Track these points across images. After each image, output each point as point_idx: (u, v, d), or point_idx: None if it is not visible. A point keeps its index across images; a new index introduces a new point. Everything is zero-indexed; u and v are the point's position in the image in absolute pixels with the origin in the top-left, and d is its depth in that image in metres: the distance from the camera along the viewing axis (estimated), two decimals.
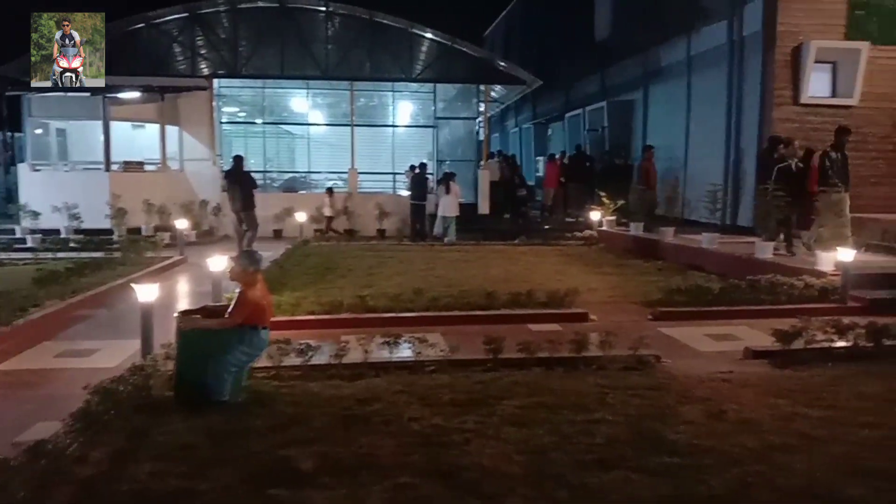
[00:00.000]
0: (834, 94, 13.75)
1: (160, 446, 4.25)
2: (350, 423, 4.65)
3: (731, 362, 6.30)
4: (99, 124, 17.14)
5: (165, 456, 4.11)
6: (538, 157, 26.58)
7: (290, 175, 21.24)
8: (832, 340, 6.38)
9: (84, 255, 12.23)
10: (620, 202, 15.96)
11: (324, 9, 18.67)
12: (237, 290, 5.32)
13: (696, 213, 14.69)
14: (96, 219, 15.64)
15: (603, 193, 16.36)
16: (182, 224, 13.86)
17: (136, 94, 17.31)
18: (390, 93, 21.20)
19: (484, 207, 19.38)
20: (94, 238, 14.24)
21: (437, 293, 8.53)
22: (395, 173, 20.38)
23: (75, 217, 15.42)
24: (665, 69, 18.01)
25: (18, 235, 15.67)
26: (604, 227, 16.01)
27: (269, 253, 11.90)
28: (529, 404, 4.99)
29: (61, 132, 19.44)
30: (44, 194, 16.01)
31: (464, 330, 7.02)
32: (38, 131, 18.77)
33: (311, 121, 21.49)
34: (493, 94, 21.58)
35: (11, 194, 19.12)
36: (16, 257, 12.65)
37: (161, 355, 5.61)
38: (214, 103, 18.91)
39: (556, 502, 3.60)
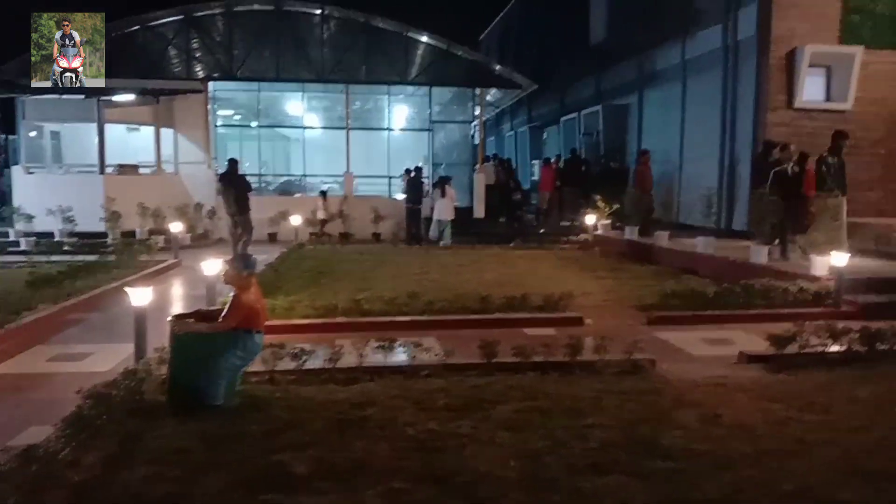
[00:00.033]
0: (828, 99, 13.82)
1: (153, 451, 4.23)
2: (344, 427, 4.64)
3: (726, 366, 6.31)
4: (93, 127, 17.10)
5: (159, 460, 4.09)
6: (533, 161, 26.60)
7: (286, 178, 21.21)
8: (826, 345, 6.39)
9: (78, 258, 12.17)
10: (615, 206, 15.98)
11: (319, 12, 18.67)
12: (231, 294, 5.30)
13: (691, 217, 14.75)
14: (91, 222, 15.59)
15: (598, 197, 16.38)
16: (177, 227, 13.84)
17: (131, 97, 17.28)
18: (386, 96, 21.20)
19: (479, 211, 19.39)
20: (88, 241, 14.20)
21: (432, 297, 8.51)
22: (390, 177, 20.38)
23: (69, 220, 15.37)
24: (660, 73, 18.06)
25: (12, 238, 15.62)
26: (599, 231, 16.02)
27: (263, 256, 11.87)
28: (524, 409, 4.98)
29: (55, 135, 19.40)
30: (38, 197, 15.96)
31: (459, 334, 7.01)
32: (33, 134, 18.73)
33: (306, 124, 21.48)
34: (488, 97, 21.59)
35: (5, 197, 19.05)
36: (9, 260, 12.61)
37: (155, 359, 5.59)
38: (210, 106, 18.89)
39: None
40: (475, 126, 22.13)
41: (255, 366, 5.49)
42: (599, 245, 15.43)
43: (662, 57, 17.83)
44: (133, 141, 19.24)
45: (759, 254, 10.50)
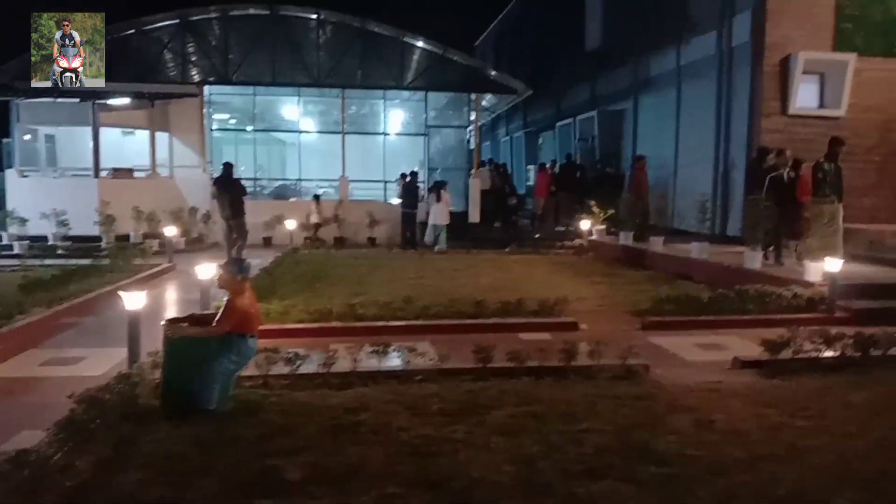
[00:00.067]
0: (822, 105, 13.88)
1: (146, 455, 4.21)
2: (338, 432, 4.63)
3: (720, 372, 6.32)
4: (88, 130, 17.07)
5: (152, 465, 4.07)
6: (529, 166, 26.66)
7: (281, 182, 21.19)
8: (820, 350, 6.41)
9: (72, 262, 12.16)
10: (610, 211, 16.01)
11: (315, 17, 18.70)
12: (225, 298, 5.29)
13: (686, 222, 14.77)
14: (85, 226, 15.55)
15: (593, 202, 16.41)
16: (171, 231, 13.81)
17: (126, 101, 17.25)
18: (381, 101, 21.22)
19: (475, 216, 19.40)
20: (82, 245, 14.15)
21: (427, 302, 8.51)
22: (385, 181, 20.38)
23: (63, 224, 15.33)
24: (655, 79, 18.12)
25: (5, 242, 15.57)
26: (594, 237, 16.05)
27: (258, 260, 11.88)
28: (518, 414, 4.98)
29: (50, 138, 19.36)
30: (32, 200, 15.92)
31: (454, 339, 7.00)
32: (27, 137, 18.67)
33: (302, 128, 21.48)
34: (484, 102, 21.66)
35: None
36: (2, 264, 12.57)
37: (148, 363, 5.57)
38: (205, 110, 18.87)
39: None
40: (471, 131, 22.17)
41: (249, 370, 5.48)
42: (594, 250, 15.46)
43: (657, 63, 17.90)
44: (128, 144, 19.22)
45: (754, 259, 10.54)
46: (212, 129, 19.72)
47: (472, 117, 21.67)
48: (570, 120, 23.49)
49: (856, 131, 12.95)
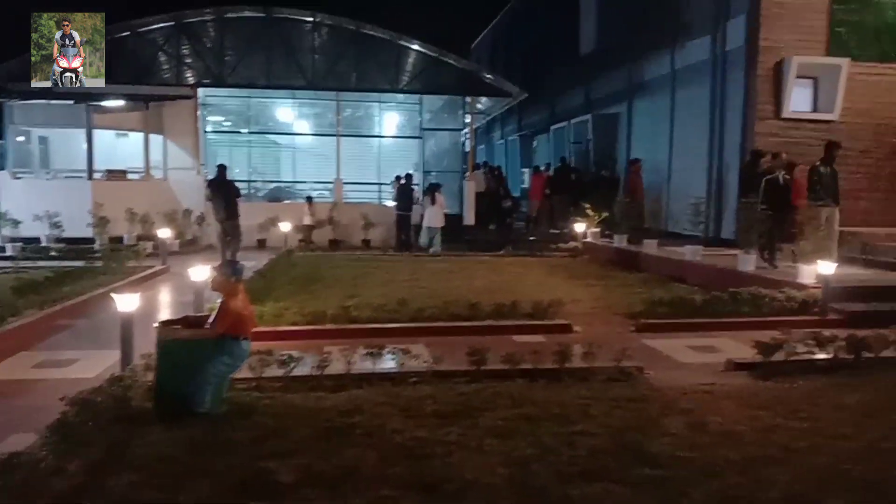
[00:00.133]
0: (815, 109, 13.94)
1: (139, 458, 4.20)
2: (332, 435, 4.62)
3: (714, 374, 6.33)
4: (82, 132, 17.01)
5: (144, 468, 4.06)
6: (524, 169, 26.69)
7: (275, 185, 21.17)
8: (813, 353, 6.42)
9: (65, 264, 12.11)
10: (605, 214, 16.04)
11: (310, 19, 18.69)
12: (219, 301, 5.27)
13: (680, 225, 14.81)
14: (78, 227, 15.49)
15: (588, 205, 16.44)
16: (165, 233, 13.77)
17: (120, 103, 17.21)
18: (377, 103, 21.22)
19: (469, 218, 19.41)
20: (75, 247, 14.10)
21: (422, 304, 8.51)
22: (380, 184, 20.38)
23: (56, 226, 15.27)
24: (649, 83, 18.17)
25: None
26: (588, 239, 16.07)
27: (252, 263, 11.86)
28: (512, 416, 4.98)
29: (43, 140, 19.29)
30: (25, 202, 15.86)
31: (448, 341, 6.99)
32: (20, 139, 18.61)
33: (296, 131, 21.45)
34: (479, 105, 21.66)
35: None
36: None
37: (141, 366, 5.55)
38: (199, 112, 18.83)
39: None
40: (466, 134, 22.19)
41: (243, 373, 5.46)
42: (589, 253, 15.48)
43: (652, 67, 17.95)
44: (122, 146, 19.17)
45: (747, 262, 10.57)
46: (206, 132, 19.67)
47: (468, 120, 21.69)
48: (564, 123, 23.55)
49: (849, 135, 13.00)
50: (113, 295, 6.12)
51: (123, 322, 5.88)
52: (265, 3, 18.50)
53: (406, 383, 5.75)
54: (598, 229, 16.14)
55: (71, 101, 16.40)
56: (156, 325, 5.26)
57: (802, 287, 9.08)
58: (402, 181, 17.42)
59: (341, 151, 19.39)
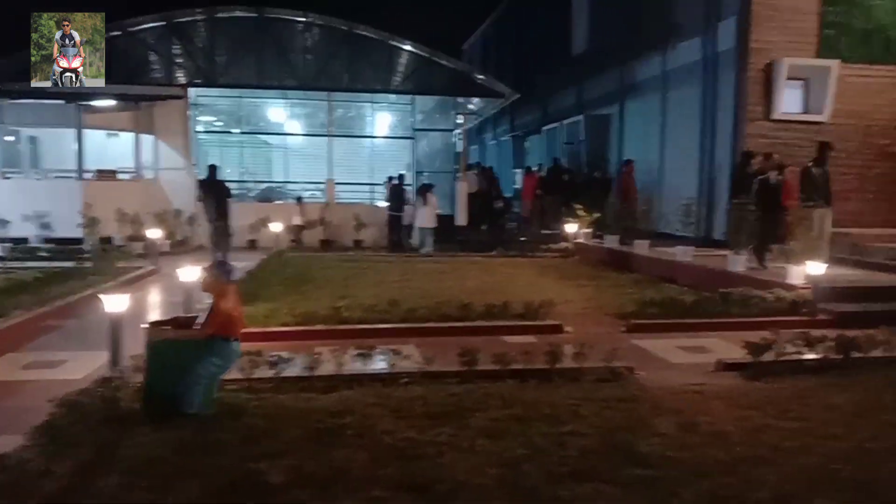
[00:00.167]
0: (805, 111, 14.03)
1: (127, 459, 4.17)
2: (322, 435, 4.60)
3: (703, 374, 6.35)
4: (72, 132, 16.91)
5: (133, 469, 4.04)
6: (516, 170, 26.73)
7: (267, 185, 21.11)
8: (802, 353, 6.45)
9: (54, 264, 12.02)
10: (596, 215, 16.08)
11: (302, 19, 18.63)
12: (209, 301, 5.25)
13: (671, 226, 14.87)
14: (67, 228, 15.40)
15: (579, 206, 16.47)
16: (155, 234, 13.70)
17: (110, 103, 17.12)
18: (369, 104, 21.18)
19: (461, 219, 19.41)
20: (64, 247, 14.01)
21: (413, 305, 8.49)
22: (372, 184, 20.35)
23: (46, 226, 15.17)
24: (641, 84, 18.24)
25: None
26: (580, 240, 16.10)
27: (243, 263, 11.81)
28: (503, 416, 4.98)
29: (33, 140, 19.17)
30: (13, 202, 15.75)
31: (439, 341, 6.99)
32: (10, 138, 18.48)
33: (288, 131, 21.38)
34: (471, 106, 21.65)
35: None
36: None
37: (130, 367, 5.52)
38: (190, 112, 18.74)
39: None
40: (458, 134, 22.18)
41: (233, 374, 5.44)
42: (580, 253, 15.50)
43: (643, 68, 18.01)
44: (112, 146, 19.05)
45: (737, 263, 10.60)
46: (197, 132, 19.59)
47: (460, 121, 21.69)
48: (556, 124, 23.60)
49: (839, 136, 13.09)
50: (102, 296, 6.09)
51: (112, 323, 5.85)
52: (257, 3, 18.43)
53: (397, 384, 5.74)
54: (589, 230, 16.17)
55: (61, 101, 16.30)
56: (145, 325, 5.24)
57: (792, 287, 9.11)
58: (394, 182, 17.40)
59: (333, 152, 19.34)
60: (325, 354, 6.00)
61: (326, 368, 5.87)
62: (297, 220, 17.53)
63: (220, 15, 18.36)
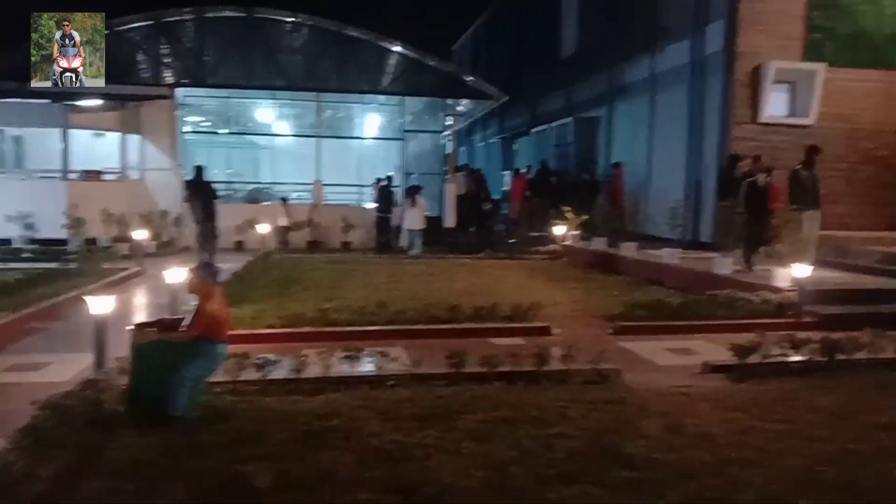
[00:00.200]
0: (792, 114, 14.14)
1: (112, 462, 4.14)
2: (309, 438, 4.58)
3: (690, 376, 6.37)
4: (57, 132, 16.77)
5: (118, 472, 4.00)
6: (504, 172, 26.77)
7: (254, 186, 21.02)
8: (788, 355, 6.50)
9: (38, 265, 11.91)
10: (584, 217, 16.12)
11: (291, 20, 18.58)
12: (195, 303, 5.21)
13: (658, 228, 14.93)
14: (52, 229, 15.25)
15: (567, 208, 16.52)
16: (141, 235, 13.61)
17: (96, 102, 16.99)
18: (357, 105, 21.15)
19: (450, 221, 19.41)
20: (49, 248, 13.89)
21: (401, 306, 8.48)
22: (360, 185, 20.31)
23: (30, 227, 15.02)
24: (629, 87, 18.31)
25: None
26: (568, 242, 16.14)
27: (230, 265, 11.75)
28: (490, 419, 4.97)
29: (17, 139, 18.98)
30: None
31: (427, 344, 6.97)
32: None
33: (276, 131, 21.33)
34: (460, 108, 21.67)
35: None
36: None
37: (115, 369, 5.47)
38: (177, 112, 18.64)
39: None
40: (447, 136, 22.20)
41: (219, 376, 5.40)
42: (568, 255, 15.54)
43: (632, 71, 18.09)
44: (98, 147, 18.89)
45: (724, 265, 10.66)
46: (184, 132, 19.47)
47: (449, 122, 21.70)
48: (545, 126, 23.66)
49: (824, 139, 13.15)
50: (87, 297, 6.04)
51: (97, 325, 5.80)
52: (246, 3, 18.37)
53: (384, 386, 5.72)
54: (577, 232, 16.22)
55: (47, 101, 16.17)
56: (130, 327, 5.20)
57: (778, 290, 9.18)
58: (383, 183, 17.39)
59: (322, 153, 19.29)
60: (312, 357, 5.98)
61: (313, 371, 5.84)
62: (282, 222, 17.45)
63: (208, 15, 18.28)
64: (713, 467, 4.19)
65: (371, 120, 22.15)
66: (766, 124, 13.79)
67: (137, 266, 12.49)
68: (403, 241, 16.63)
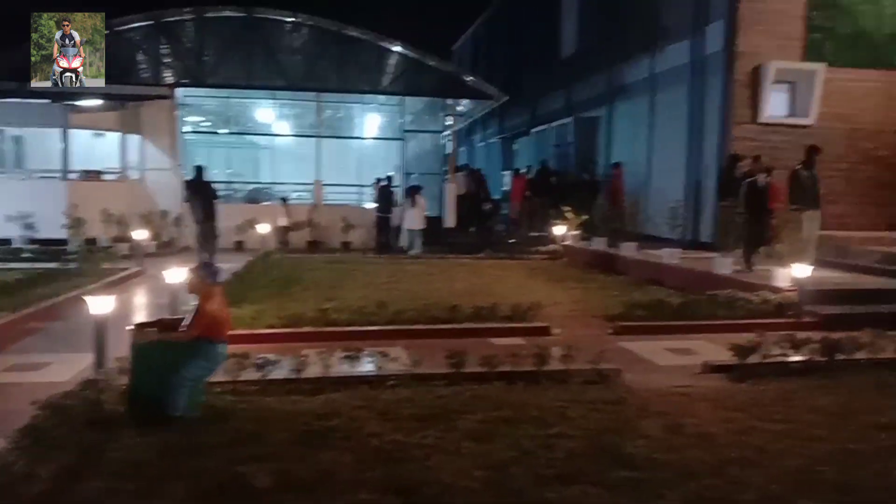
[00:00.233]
0: (791, 114, 14.14)
1: (112, 463, 4.14)
2: (308, 438, 4.58)
3: (690, 376, 6.37)
4: (57, 132, 16.77)
5: (117, 472, 4.00)
6: (504, 172, 26.78)
7: (254, 186, 21.01)
8: (787, 355, 6.50)
9: (38, 265, 11.91)
10: (584, 217, 16.12)
11: (291, 20, 18.58)
12: (195, 303, 5.21)
13: (658, 228, 14.93)
14: (52, 229, 15.23)
15: (567, 208, 16.51)
16: (141, 235, 13.60)
17: (96, 102, 16.98)
18: (357, 105, 21.15)
19: (450, 221, 19.41)
20: (49, 248, 13.89)
21: (401, 307, 8.48)
22: (360, 185, 20.31)
23: (30, 227, 15.02)
24: (629, 86, 18.31)
25: None
26: (568, 242, 16.14)
27: (230, 265, 11.75)
28: (490, 419, 4.97)
29: (17, 139, 18.98)
30: None
31: (427, 344, 6.97)
32: None
33: (276, 131, 21.31)
34: (460, 108, 21.67)
35: None
36: None
37: (115, 369, 5.47)
38: (177, 112, 18.64)
39: None
40: (447, 136, 22.19)
41: (219, 376, 5.40)
42: (568, 255, 15.54)
43: (632, 70, 18.09)
44: (98, 146, 18.89)
45: (724, 265, 10.66)
46: (184, 132, 19.47)
47: (449, 122, 21.69)
48: (545, 126, 23.65)
49: (824, 140, 13.15)
50: (87, 297, 6.04)
51: (97, 325, 5.80)
52: (246, 3, 18.37)
53: (384, 386, 5.72)
54: (577, 232, 16.21)
55: (47, 101, 16.17)
56: (130, 327, 5.20)
57: (778, 290, 9.18)
58: (383, 183, 17.38)
59: (322, 153, 19.28)
60: (311, 357, 5.98)
61: (313, 371, 5.85)
62: (282, 222, 17.45)
63: (208, 15, 18.27)
64: (713, 467, 4.19)
65: (371, 120, 22.14)
66: (766, 124, 13.79)
67: (137, 266, 12.49)
68: (403, 241, 16.63)
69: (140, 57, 18.13)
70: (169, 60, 18.33)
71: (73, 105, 16.55)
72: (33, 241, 14.98)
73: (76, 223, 15.33)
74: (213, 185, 13.90)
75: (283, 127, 21.68)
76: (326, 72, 18.76)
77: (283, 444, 4.49)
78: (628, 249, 13.48)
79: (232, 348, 5.40)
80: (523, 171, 21.68)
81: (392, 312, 8.19)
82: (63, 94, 15.38)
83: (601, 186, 18.20)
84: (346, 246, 17.62)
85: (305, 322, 7.81)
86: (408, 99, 20.15)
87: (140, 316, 8.67)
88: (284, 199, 18.05)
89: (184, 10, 18.04)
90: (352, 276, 12.32)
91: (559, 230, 16.46)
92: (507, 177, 25.45)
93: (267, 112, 21.27)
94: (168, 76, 18.27)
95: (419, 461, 4.24)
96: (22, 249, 14.39)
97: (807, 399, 5.56)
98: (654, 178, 16.86)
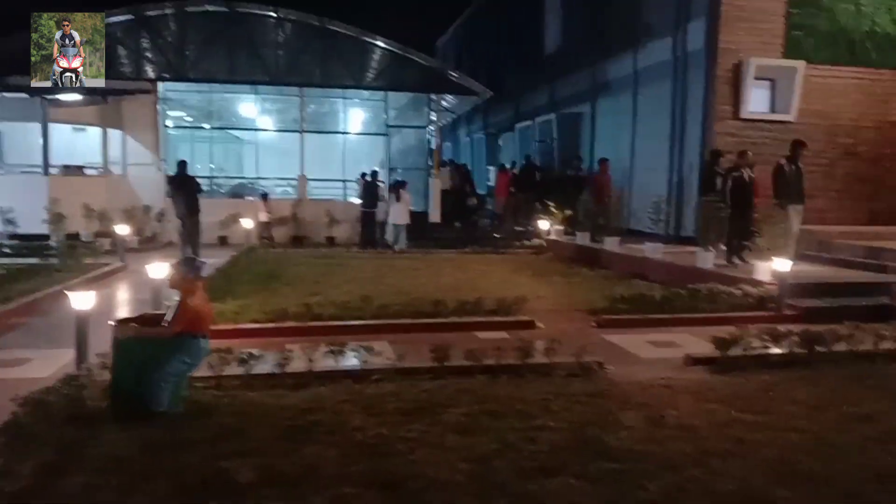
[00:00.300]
0: (772, 110, 14.24)
1: (93, 459, 4.11)
2: (292, 433, 4.58)
3: (672, 369, 6.43)
4: (37, 126, 16.58)
5: (99, 468, 3.98)
6: (489, 167, 26.80)
7: (238, 181, 20.89)
8: (768, 348, 6.58)
9: (19, 261, 11.79)
10: (568, 212, 16.17)
11: (274, 14, 18.47)
12: (177, 298, 5.19)
13: (641, 223, 15.01)
14: (33, 224, 15.04)
15: (551, 203, 16.56)
16: (123, 230, 13.49)
17: (77, 97, 16.78)
18: (341, 100, 21.06)
19: (435, 216, 19.41)
20: (30, 244, 13.74)
21: (386, 301, 8.48)
22: (345, 180, 20.25)
23: (10, 222, 14.84)
24: (612, 83, 18.37)
25: None
26: (552, 237, 16.20)
27: (214, 260, 11.69)
28: (474, 412, 5.00)
29: None
30: None
31: (411, 338, 6.98)
32: None
33: (259, 126, 21.19)
34: (444, 103, 21.65)
35: None
36: None
37: (97, 365, 5.43)
38: (160, 107, 18.48)
39: None
40: (431, 131, 22.17)
41: (202, 371, 5.38)
42: (553, 250, 15.60)
43: (615, 67, 18.14)
44: (80, 141, 18.71)
45: (706, 259, 10.75)
46: (166, 127, 19.32)
47: (433, 118, 21.67)
48: (529, 122, 23.69)
49: (805, 135, 13.24)
50: (68, 292, 5.99)
51: (78, 320, 5.75)
52: None
53: (368, 381, 5.73)
54: (561, 227, 16.27)
55: (26, 95, 15.96)
56: (112, 323, 5.16)
57: (759, 283, 9.27)
58: (368, 178, 17.35)
59: (305, 148, 19.20)
60: (296, 351, 5.97)
61: (297, 365, 5.84)
62: (262, 217, 17.36)
63: (189, 9, 18.12)
64: (694, 459, 4.23)
65: (355, 115, 22.06)
66: (748, 120, 13.89)
67: (120, 261, 12.40)
68: (388, 236, 16.62)
69: (121, 51, 17.93)
70: (150, 55, 18.17)
71: (53, 99, 16.35)
72: (14, 236, 14.80)
73: (57, 218, 15.18)
74: (196, 180, 13.81)
75: (267, 122, 21.56)
76: (310, 66, 18.68)
77: (267, 438, 4.48)
78: (612, 244, 13.55)
79: (215, 343, 5.38)
80: (508, 166, 21.72)
81: (377, 307, 8.19)
82: (41, 88, 15.18)
83: (585, 182, 18.26)
84: (330, 241, 17.57)
85: (289, 317, 7.79)
86: (392, 94, 20.10)
87: (122, 311, 8.61)
88: (265, 195, 17.95)
89: (165, 5, 17.88)
90: (336, 270, 12.29)
91: (543, 225, 16.50)
92: (491, 172, 25.49)
93: (250, 107, 21.14)
94: (149, 70, 18.10)
95: (403, 455, 4.25)
96: (2, 244, 14.21)
97: (787, 391, 5.63)
98: (637, 174, 16.93)
